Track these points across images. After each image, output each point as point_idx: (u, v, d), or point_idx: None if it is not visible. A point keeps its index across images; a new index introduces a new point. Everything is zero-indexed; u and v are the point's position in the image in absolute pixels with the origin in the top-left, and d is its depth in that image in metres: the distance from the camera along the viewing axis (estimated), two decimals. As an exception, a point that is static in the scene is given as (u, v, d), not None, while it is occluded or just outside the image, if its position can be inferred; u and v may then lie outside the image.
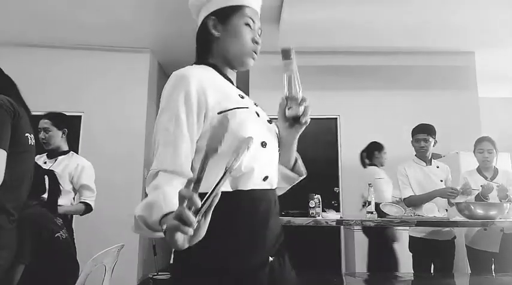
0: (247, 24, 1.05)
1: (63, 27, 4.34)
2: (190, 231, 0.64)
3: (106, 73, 4.79)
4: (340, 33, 4.42)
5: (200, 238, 0.69)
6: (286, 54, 0.99)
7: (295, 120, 1.01)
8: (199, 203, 0.64)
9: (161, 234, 0.76)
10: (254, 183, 0.93)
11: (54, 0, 3.82)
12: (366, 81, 4.84)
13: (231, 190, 0.91)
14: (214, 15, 1.05)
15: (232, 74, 1.10)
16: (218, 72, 1.05)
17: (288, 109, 1.00)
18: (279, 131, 1.08)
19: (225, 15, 1.04)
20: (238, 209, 0.91)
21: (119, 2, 3.84)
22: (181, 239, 0.67)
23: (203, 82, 0.93)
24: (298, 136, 1.06)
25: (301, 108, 0.99)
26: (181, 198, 0.64)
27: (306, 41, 4.54)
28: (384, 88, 4.82)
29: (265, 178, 0.97)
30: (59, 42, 4.69)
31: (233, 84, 1.07)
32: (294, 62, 0.99)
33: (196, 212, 0.65)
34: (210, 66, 1.05)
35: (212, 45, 1.07)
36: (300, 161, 1.13)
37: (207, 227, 0.69)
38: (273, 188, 1.02)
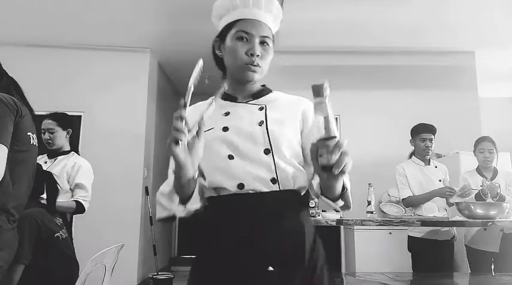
0: (240, 38, 1.05)
1: (63, 27, 4.34)
2: (182, 136, 0.84)
3: (106, 73, 4.79)
4: (339, 33, 4.42)
5: (198, 155, 0.91)
6: (317, 90, 0.83)
7: (328, 169, 0.84)
8: (186, 115, 0.85)
9: (181, 207, 0.95)
10: (229, 191, 1.00)
11: (54, 0, 3.82)
12: (366, 81, 4.83)
13: (214, 195, 1.02)
14: (218, 37, 1.13)
15: (244, 87, 1.11)
16: (221, 96, 1.09)
17: (320, 156, 0.84)
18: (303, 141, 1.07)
19: (223, 35, 1.10)
20: (215, 212, 1.02)
21: (119, 2, 3.84)
22: (182, 153, 0.86)
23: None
24: (340, 182, 0.93)
25: (334, 157, 0.82)
26: (175, 118, 0.84)
27: (306, 40, 4.54)
28: (384, 88, 4.82)
29: (240, 186, 0.99)
30: (59, 41, 4.69)
31: (235, 101, 1.10)
32: (326, 100, 0.83)
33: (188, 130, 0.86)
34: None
35: (222, 65, 1.14)
36: (347, 194, 0.99)
37: (202, 148, 0.92)
38: (260, 191, 0.99)
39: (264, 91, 1.14)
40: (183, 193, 0.95)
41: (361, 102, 4.78)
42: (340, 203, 1.00)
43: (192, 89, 0.90)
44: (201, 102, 1.12)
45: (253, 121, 1.05)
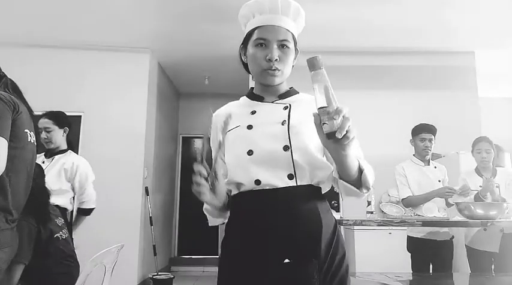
0: (259, 45, 1.11)
1: (63, 27, 4.34)
2: (202, 188, 0.97)
3: (106, 73, 4.79)
4: (340, 33, 4.42)
5: (220, 194, 1.03)
6: (313, 63, 0.88)
7: (333, 136, 0.86)
8: (204, 171, 0.97)
9: (226, 214, 1.15)
10: (246, 186, 1.07)
11: (54, 1, 3.82)
12: (366, 81, 4.83)
13: (235, 192, 1.10)
14: (242, 44, 1.20)
15: (270, 89, 1.17)
16: (249, 96, 1.21)
17: (323, 124, 0.86)
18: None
19: (245, 42, 1.17)
20: (235, 208, 1.12)
21: (119, 2, 3.84)
22: (208, 197, 0.99)
23: (221, 117, 1.13)
24: (348, 151, 0.91)
25: (336, 122, 0.84)
26: (195, 170, 0.95)
27: (306, 41, 4.53)
28: (384, 88, 4.82)
29: (257, 182, 1.05)
30: (59, 42, 4.69)
31: (262, 100, 1.17)
32: (323, 72, 0.87)
33: (206, 179, 0.97)
34: (248, 94, 1.23)
35: (248, 70, 1.21)
36: (366, 173, 1.00)
37: (223, 187, 1.04)
38: (277, 187, 1.04)
39: (291, 92, 1.19)
40: (223, 210, 1.13)
41: (361, 102, 4.76)
42: (364, 190, 1.02)
43: (206, 146, 1.05)
44: (232, 102, 1.25)
45: (277, 119, 1.10)
